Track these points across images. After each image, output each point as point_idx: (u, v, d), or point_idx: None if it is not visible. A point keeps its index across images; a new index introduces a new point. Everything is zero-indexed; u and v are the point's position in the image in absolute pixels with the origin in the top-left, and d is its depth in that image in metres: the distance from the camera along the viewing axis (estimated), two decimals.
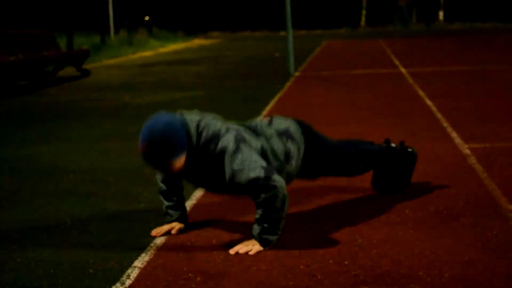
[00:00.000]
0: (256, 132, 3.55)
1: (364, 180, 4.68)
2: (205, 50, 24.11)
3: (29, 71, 12.27)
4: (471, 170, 4.92)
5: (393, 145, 4.34)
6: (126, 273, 3.15)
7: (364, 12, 47.57)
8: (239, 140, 3.36)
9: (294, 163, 3.65)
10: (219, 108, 8.66)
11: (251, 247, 3.37)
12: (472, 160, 5.24)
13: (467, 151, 5.56)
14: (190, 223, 3.85)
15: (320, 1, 47.24)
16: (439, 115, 7.46)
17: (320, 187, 4.60)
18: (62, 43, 19.19)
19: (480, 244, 3.37)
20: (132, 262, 3.29)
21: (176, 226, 3.73)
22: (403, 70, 13.34)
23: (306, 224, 3.79)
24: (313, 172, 3.89)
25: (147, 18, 36.04)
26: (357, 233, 3.61)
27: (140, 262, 3.29)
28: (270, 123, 3.69)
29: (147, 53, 22.82)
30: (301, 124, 3.80)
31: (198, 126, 3.37)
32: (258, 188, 3.31)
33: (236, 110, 8.43)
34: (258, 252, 3.35)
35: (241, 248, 3.37)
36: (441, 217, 3.84)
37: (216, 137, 3.35)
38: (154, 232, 3.69)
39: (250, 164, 3.31)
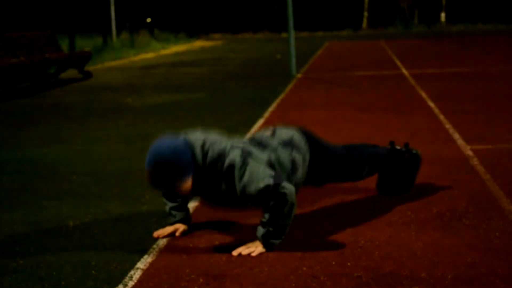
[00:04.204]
0: (261, 144, 3.56)
1: (367, 182, 4.68)
2: (206, 52, 24.12)
3: (31, 73, 12.28)
4: (473, 172, 4.92)
5: (397, 147, 4.34)
6: (128, 275, 3.15)
7: (366, 13, 47.57)
8: (245, 154, 3.38)
9: (300, 171, 3.67)
10: (221, 110, 8.67)
11: (254, 248, 3.37)
12: (475, 161, 5.24)
13: (470, 153, 5.55)
14: (193, 224, 3.85)
15: (322, 3, 47.24)
16: (441, 117, 7.46)
17: (322, 188, 4.59)
18: (64, 45, 19.20)
19: (482, 246, 3.37)
20: (135, 263, 3.30)
21: (180, 228, 3.72)
22: (405, 71, 13.33)
23: (308, 226, 3.79)
24: (319, 179, 3.90)
25: (149, 20, 36.07)
26: (359, 234, 3.61)
27: (143, 263, 3.29)
28: (273, 134, 3.70)
29: (149, 55, 22.83)
30: (305, 133, 3.81)
31: (203, 146, 3.38)
32: (268, 195, 3.32)
33: (238, 112, 8.43)
34: (261, 254, 3.35)
35: (243, 249, 3.37)
36: (444, 219, 3.84)
37: (222, 155, 3.36)
38: (156, 234, 3.69)
39: (258, 175, 3.32)
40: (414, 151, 4.35)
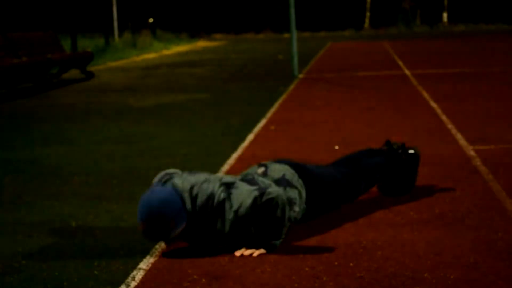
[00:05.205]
0: (252, 183, 3.49)
1: None
2: (209, 52, 24.13)
3: (33, 73, 12.29)
4: (475, 172, 4.91)
5: (394, 146, 4.34)
6: (131, 275, 3.15)
7: (368, 14, 47.55)
8: (228, 186, 3.40)
9: (297, 208, 3.64)
10: (223, 111, 8.67)
11: (255, 249, 3.37)
12: (477, 162, 5.23)
13: (472, 153, 5.55)
14: None
15: (324, 3, 47.24)
16: (443, 117, 7.45)
17: None
18: (66, 45, 19.19)
19: (485, 246, 3.37)
20: (137, 264, 3.30)
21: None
22: (407, 71, 13.33)
23: (310, 226, 3.78)
24: (318, 212, 3.86)
25: (151, 20, 36.08)
26: (361, 235, 3.61)
27: (145, 264, 3.29)
28: (265, 174, 3.68)
29: (151, 55, 22.84)
30: (296, 167, 3.78)
31: (191, 193, 3.37)
32: (260, 207, 3.33)
33: (240, 112, 8.43)
34: (263, 254, 3.35)
35: (245, 250, 3.37)
36: (446, 219, 3.84)
37: (211, 199, 3.36)
38: None
39: (244, 194, 3.35)
40: (411, 151, 4.34)
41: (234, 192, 3.38)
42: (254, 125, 7.32)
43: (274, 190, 3.38)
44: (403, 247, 3.40)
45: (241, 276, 3.09)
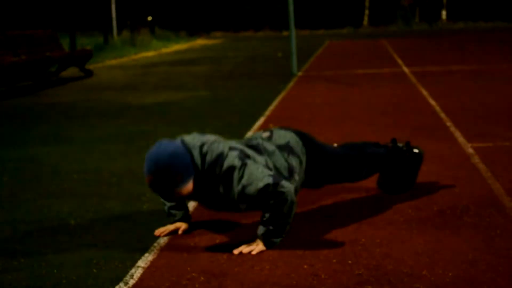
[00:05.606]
0: (258, 149, 3.55)
1: (368, 180, 4.67)
2: (207, 50, 24.12)
3: (32, 71, 12.28)
4: (474, 170, 4.92)
5: (399, 144, 4.34)
6: (129, 273, 3.15)
7: (367, 11, 47.54)
8: (243, 157, 3.38)
9: (297, 177, 3.66)
10: (222, 109, 8.67)
11: (254, 247, 3.37)
12: (476, 159, 5.23)
13: (471, 151, 5.55)
14: (194, 223, 3.86)
15: (322, 1, 47.22)
16: (442, 115, 7.46)
17: (323, 187, 4.59)
18: (65, 43, 19.18)
19: (483, 244, 3.37)
20: (136, 262, 3.30)
21: (181, 226, 3.73)
22: (406, 69, 13.32)
23: (309, 224, 3.79)
24: (317, 182, 3.89)
25: (149, 18, 36.05)
26: (360, 232, 3.61)
27: (144, 262, 3.29)
28: (270, 138, 3.69)
29: (150, 54, 22.83)
30: (301, 136, 3.79)
31: (201, 149, 3.36)
32: (268, 195, 3.31)
33: (240, 110, 8.43)
34: (262, 252, 3.36)
35: (244, 248, 3.38)
36: (445, 217, 3.84)
37: (220, 158, 3.35)
38: (157, 232, 3.69)
39: (258, 175, 3.32)
40: (415, 150, 4.35)
41: (250, 166, 3.35)
42: (253, 123, 7.32)
43: (288, 185, 3.35)
44: (402, 244, 3.41)
45: (239, 274, 3.09)
